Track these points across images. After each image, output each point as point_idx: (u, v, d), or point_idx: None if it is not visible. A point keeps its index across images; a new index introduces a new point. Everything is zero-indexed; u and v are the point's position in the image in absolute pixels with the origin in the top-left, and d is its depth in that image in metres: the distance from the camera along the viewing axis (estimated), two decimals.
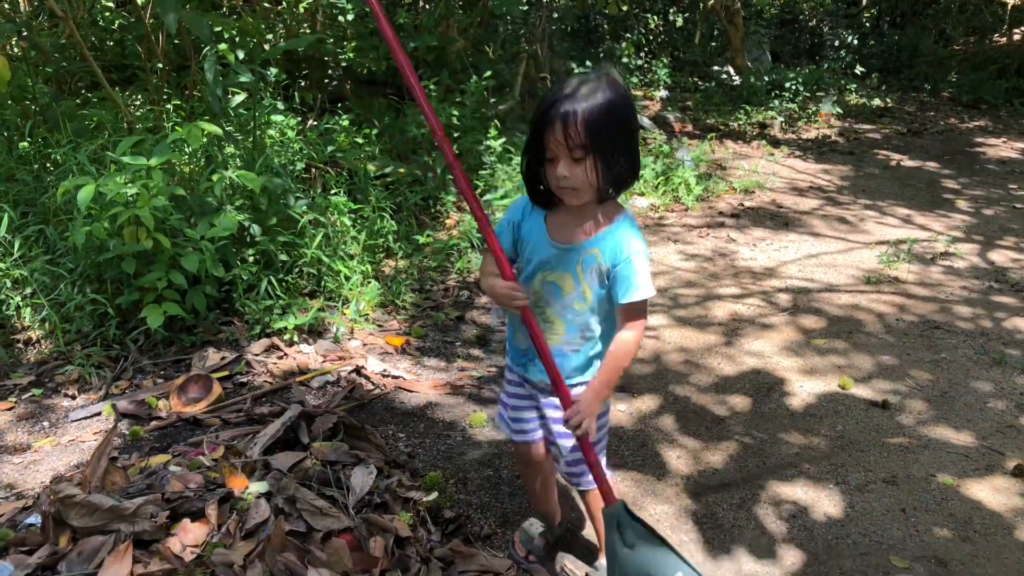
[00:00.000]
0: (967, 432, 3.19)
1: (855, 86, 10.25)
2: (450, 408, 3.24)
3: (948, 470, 2.95)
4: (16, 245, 3.49)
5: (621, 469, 2.89)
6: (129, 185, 3.39)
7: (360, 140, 5.49)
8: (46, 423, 3.08)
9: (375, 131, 5.68)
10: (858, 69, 10.61)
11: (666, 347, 3.87)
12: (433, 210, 5.29)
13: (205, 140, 3.91)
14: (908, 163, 7.64)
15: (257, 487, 2.04)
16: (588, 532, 2.52)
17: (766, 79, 9.56)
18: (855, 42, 11.35)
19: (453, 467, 2.79)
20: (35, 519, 2.03)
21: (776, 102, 9.13)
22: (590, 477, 1.97)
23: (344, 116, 5.84)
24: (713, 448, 3.06)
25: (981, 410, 3.36)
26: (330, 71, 7.04)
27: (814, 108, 9.21)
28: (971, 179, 7.15)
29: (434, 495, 2.29)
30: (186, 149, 4.03)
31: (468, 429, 3.09)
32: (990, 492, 2.83)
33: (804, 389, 3.50)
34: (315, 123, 5.85)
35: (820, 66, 10.77)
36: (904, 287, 4.63)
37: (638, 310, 1.88)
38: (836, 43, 11.38)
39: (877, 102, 9.94)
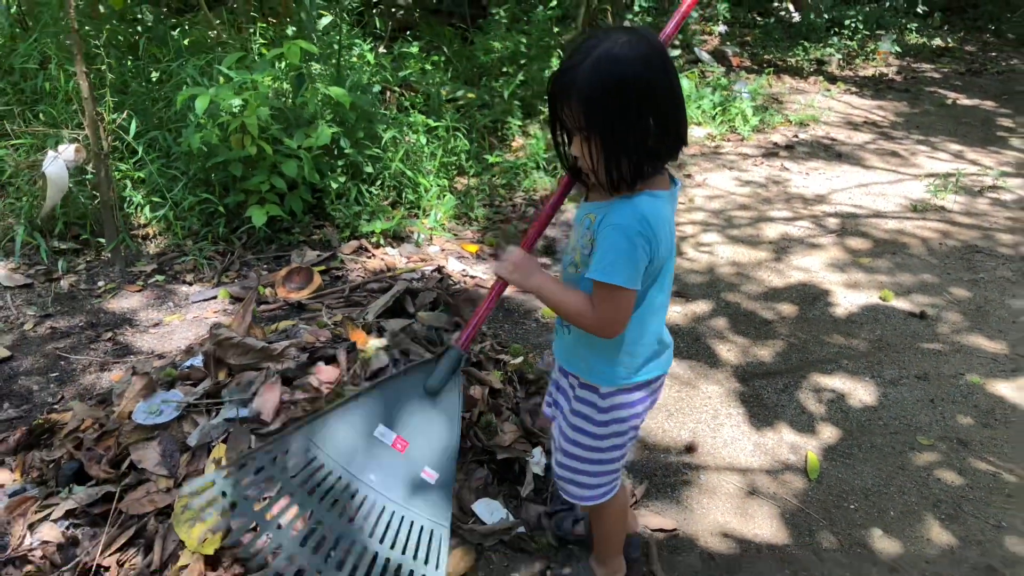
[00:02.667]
0: (998, 341, 3.47)
1: (916, 25, 10.19)
2: (523, 303, 3.62)
3: (976, 371, 3.25)
4: (140, 150, 3.89)
5: (676, 358, 3.23)
6: (236, 96, 3.76)
7: (429, 67, 5.79)
8: (171, 304, 3.51)
9: (442, 58, 5.98)
10: (920, 8, 10.51)
11: (719, 261, 4.17)
12: (500, 132, 5.60)
13: (301, 58, 4.24)
14: (964, 101, 7.70)
15: (376, 342, 2.43)
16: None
17: (826, 16, 9.56)
18: None
19: (531, 344, 3.18)
20: (193, 361, 2.45)
21: (835, 39, 9.17)
22: (574, 488, 1.85)
23: (414, 43, 6.13)
24: (760, 344, 3.39)
25: (1013, 323, 3.62)
26: (400, 0, 7.31)
27: (873, 46, 9.23)
28: None
29: (520, 359, 2.68)
30: (282, 66, 4.37)
31: (541, 319, 3.46)
32: (1013, 390, 3.12)
33: (847, 300, 3.79)
34: (384, 50, 6.15)
35: (882, 4, 10.68)
36: (949, 215, 4.85)
37: (601, 294, 1.56)
38: None
39: (938, 42, 9.89)
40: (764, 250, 4.32)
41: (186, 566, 1.87)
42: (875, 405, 3.01)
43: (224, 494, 1.77)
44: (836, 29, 9.42)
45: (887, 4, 10.57)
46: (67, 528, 2.06)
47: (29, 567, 1.97)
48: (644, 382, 1.73)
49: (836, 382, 3.14)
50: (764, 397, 3.03)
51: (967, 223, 4.74)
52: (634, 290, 1.55)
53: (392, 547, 1.75)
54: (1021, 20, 10.68)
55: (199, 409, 2.22)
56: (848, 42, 9.14)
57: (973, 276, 4.07)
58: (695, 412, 2.92)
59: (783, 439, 2.80)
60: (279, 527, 1.77)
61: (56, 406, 2.71)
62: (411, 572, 1.75)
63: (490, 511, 2.18)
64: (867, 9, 10.00)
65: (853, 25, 9.38)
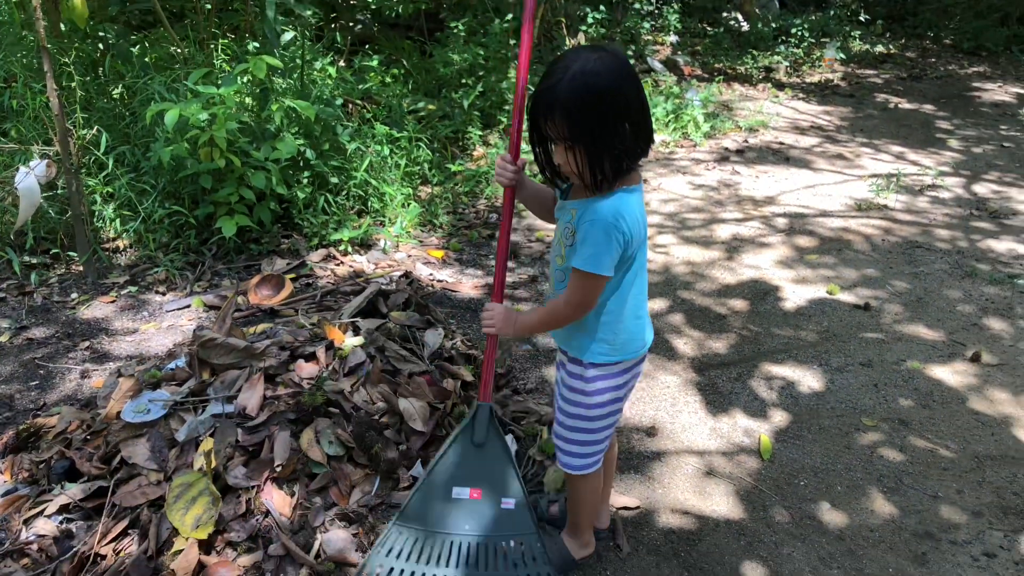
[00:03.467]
0: (936, 329, 3.70)
1: (859, 33, 10.58)
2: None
3: (916, 357, 3.46)
4: (110, 163, 3.96)
5: None
6: (204, 111, 3.86)
7: (389, 80, 5.93)
8: (145, 313, 3.60)
9: (402, 71, 6.12)
10: (863, 16, 10.92)
11: (674, 261, 4.36)
12: (461, 142, 5.75)
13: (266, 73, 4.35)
14: (906, 105, 8.04)
15: (353, 340, 2.56)
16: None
17: (773, 25, 9.91)
18: None
19: (499, 342, 3.32)
20: (177, 363, 2.56)
21: (782, 47, 9.50)
22: (565, 456, 2.06)
23: (374, 57, 6.27)
24: (715, 338, 3.58)
25: (951, 312, 3.86)
26: (359, 15, 7.44)
27: (819, 54, 9.57)
28: (965, 120, 7.56)
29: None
30: (246, 80, 4.48)
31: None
32: (950, 374, 3.34)
33: (796, 294, 4.00)
34: (343, 64, 6.27)
35: (826, 13, 11.07)
36: (891, 213, 5.10)
37: (578, 280, 1.77)
38: None
39: (880, 48, 10.28)
40: (717, 250, 4.52)
41: (181, 551, 1.98)
42: (823, 391, 3.20)
43: None
44: (783, 37, 9.76)
45: (831, 13, 10.97)
46: (61, 522, 2.15)
47: (25, 560, 2.06)
48: (621, 361, 1.94)
49: (786, 371, 3.33)
50: (719, 386, 3.21)
51: (908, 220, 4.99)
52: (608, 276, 1.75)
53: (512, 567, 2.04)
54: (959, 28, 11.14)
55: (186, 407, 2.33)
56: (795, 50, 9.48)
57: (913, 270, 4.30)
58: (655, 400, 3.09)
59: (737, 424, 2.98)
60: None
61: (39, 412, 2.79)
62: None
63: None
64: (812, 18, 10.38)
65: (799, 33, 9.72)
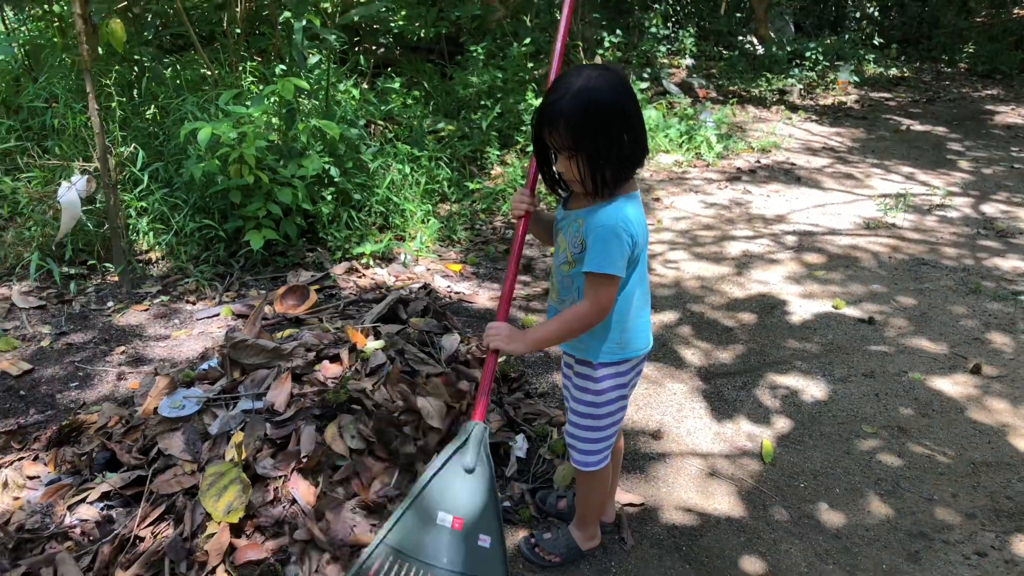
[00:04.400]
0: (939, 343, 3.80)
1: (874, 56, 10.71)
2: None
3: (918, 369, 3.57)
4: (145, 179, 4.17)
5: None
6: (235, 129, 4.06)
7: (410, 101, 6.13)
8: (176, 321, 3.78)
9: (422, 93, 6.33)
10: (877, 40, 11.06)
11: (685, 276, 4.50)
12: (480, 161, 5.93)
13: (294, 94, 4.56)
14: (918, 127, 8.15)
15: (374, 344, 2.72)
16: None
17: (788, 49, 10.07)
18: (876, 14, 11.77)
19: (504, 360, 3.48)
20: (208, 364, 2.72)
21: (796, 70, 9.65)
22: (577, 454, 2.17)
23: (396, 79, 6.48)
24: (722, 348, 3.70)
25: (954, 327, 3.96)
26: (381, 39, 7.67)
27: (832, 77, 9.71)
28: (976, 142, 7.66)
29: (503, 358, 2.97)
30: (272, 101, 4.68)
31: (522, 327, 3.75)
32: (950, 384, 3.45)
33: (802, 308, 4.12)
34: (366, 86, 6.49)
35: (841, 37, 11.22)
36: (899, 232, 5.22)
37: (595, 284, 1.88)
38: (858, 15, 11.82)
39: (894, 72, 10.41)
40: (727, 265, 4.65)
41: (213, 534, 2.13)
42: (825, 399, 3.32)
43: None
44: (797, 61, 9.92)
45: (846, 36, 11.11)
46: (102, 509, 2.31)
47: (69, 543, 2.22)
48: (629, 359, 2.07)
49: (790, 380, 3.45)
50: (724, 393, 3.33)
51: (915, 238, 5.10)
52: (621, 276, 1.89)
53: None
54: (973, 51, 11.25)
55: (218, 403, 2.49)
56: (808, 73, 9.62)
57: (919, 286, 4.41)
58: (662, 406, 3.22)
59: (741, 429, 3.10)
60: None
61: (79, 410, 2.96)
62: None
63: None
64: (827, 41, 10.52)
65: (813, 57, 9.87)
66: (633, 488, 2.71)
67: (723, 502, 2.69)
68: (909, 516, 2.66)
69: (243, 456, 2.27)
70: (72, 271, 4.06)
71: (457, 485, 2.03)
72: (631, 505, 2.61)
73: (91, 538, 2.22)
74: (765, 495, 2.73)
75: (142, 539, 2.18)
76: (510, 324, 2.05)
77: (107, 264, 4.09)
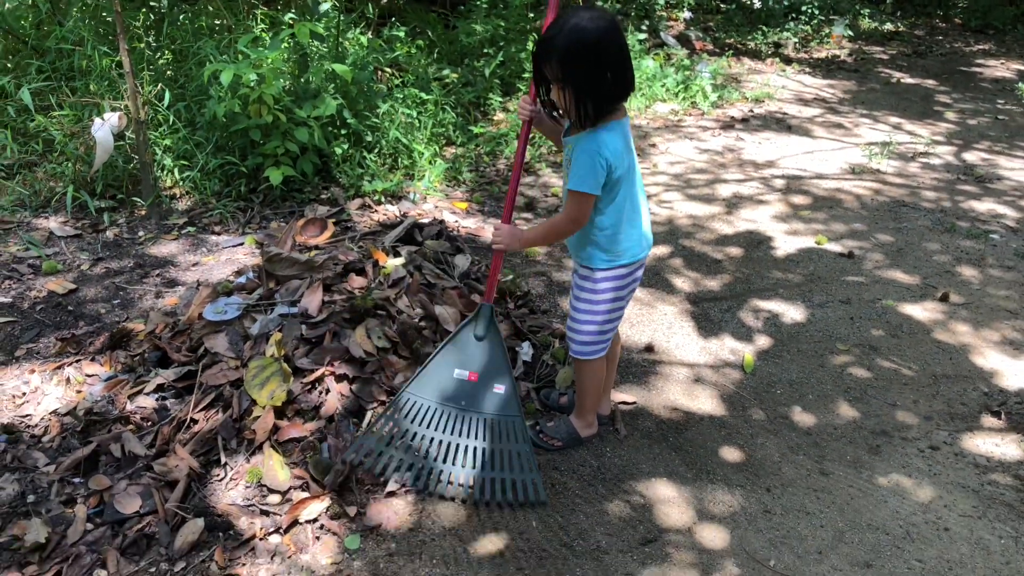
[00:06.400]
0: (913, 275, 4.10)
1: (869, 10, 10.87)
2: None
3: (891, 296, 3.87)
4: (171, 118, 4.41)
5: (639, 286, 3.82)
6: (254, 71, 4.29)
7: (414, 50, 6.34)
8: (204, 249, 4.06)
9: (426, 42, 6.53)
10: None
11: (677, 214, 4.78)
12: (483, 107, 6.17)
13: (307, 39, 4.78)
14: (908, 80, 8.38)
15: (394, 261, 3.00)
16: None
17: (784, 3, 10.21)
18: None
19: (518, 272, 3.77)
20: (242, 279, 3.01)
21: (792, 24, 9.82)
22: (575, 344, 2.47)
23: (401, 28, 6.67)
24: (710, 278, 4.00)
25: (927, 261, 4.26)
26: None
27: (828, 31, 9.89)
28: (964, 95, 7.90)
29: (510, 278, 3.26)
30: (286, 46, 4.90)
31: (526, 257, 4.05)
32: (920, 310, 3.75)
33: (787, 244, 4.41)
34: (371, 35, 6.68)
35: None
36: (883, 177, 5.49)
37: (571, 199, 2.18)
38: None
39: (889, 26, 10.58)
40: (717, 205, 4.93)
41: (259, 417, 2.44)
42: (803, 322, 3.63)
43: (377, 454, 2.45)
44: (793, 15, 10.08)
45: None
46: (158, 399, 2.62)
47: (131, 426, 2.53)
48: (624, 265, 2.37)
49: (772, 305, 3.75)
50: (711, 315, 3.64)
51: (898, 183, 5.38)
52: (595, 195, 2.19)
53: (494, 440, 2.47)
54: (968, 6, 11.41)
55: (257, 309, 2.78)
56: (804, 27, 9.80)
57: (897, 225, 4.70)
58: (653, 324, 3.52)
59: (725, 344, 3.41)
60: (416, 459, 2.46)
61: (124, 323, 3.25)
62: (508, 451, 2.46)
63: None
64: None
65: (809, 11, 10.03)
66: (627, 390, 3.03)
67: (707, 403, 3.01)
68: (873, 418, 2.97)
69: (282, 352, 2.57)
70: (103, 204, 4.32)
71: (470, 349, 2.46)
72: (624, 403, 2.92)
73: (150, 422, 2.53)
74: (744, 399, 3.05)
75: (196, 421, 2.49)
76: (511, 226, 2.36)
77: (135, 198, 4.36)
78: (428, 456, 2.45)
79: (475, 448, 2.47)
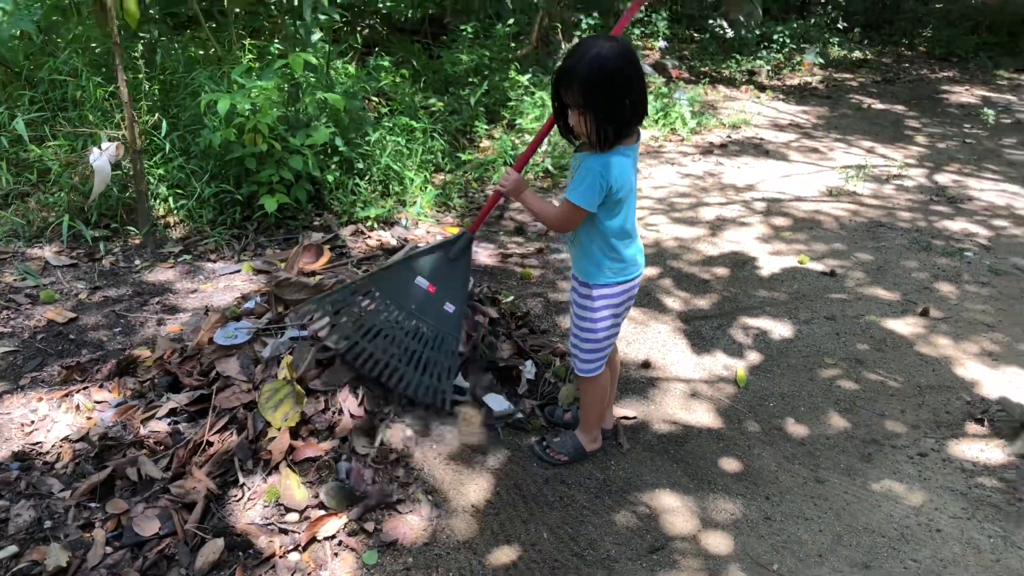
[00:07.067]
0: (893, 291, 4.24)
1: (838, 39, 11.18)
2: (505, 268, 4.30)
3: (874, 312, 4.00)
4: (167, 147, 4.47)
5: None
6: (249, 100, 4.37)
7: (398, 80, 6.45)
8: (201, 276, 4.10)
9: (411, 71, 6.66)
10: (841, 24, 11.53)
11: (664, 237, 4.90)
12: (469, 135, 6.28)
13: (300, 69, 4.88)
14: (878, 106, 8.63)
15: None
16: None
17: (756, 32, 10.49)
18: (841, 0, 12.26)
19: (516, 295, 3.86)
20: (250, 304, 3.07)
21: (764, 52, 10.08)
22: (578, 362, 2.57)
23: (385, 57, 6.80)
24: (699, 297, 4.11)
25: (906, 278, 4.41)
26: (368, 20, 7.97)
27: (799, 58, 10.17)
28: (932, 120, 8.15)
29: (510, 299, 3.35)
30: (280, 75, 4.99)
31: (521, 279, 4.14)
32: (902, 325, 3.88)
33: (771, 264, 4.54)
34: (354, 66, 6.79)
35: (807, 20, 11.68)
36: (859, 198, 5.66)
37: (565, 206, 2.30)
38: (823, 0, 12.28)
39: (857, 54, 10.89)
40: (701, 228, 5.06)
41: (274, 438, 2.49)
42: (791, 337, 3.74)
43: (318, 311, 2.76)
44: (765, 43, 10.35)
45: (812, 20, 11.57)
46: (170, 423, 2.66)
47: (145, 450, 2.57)
48: (619, 282, 2.47)
49: (760, 322, 3.87)
50: (703, 332, 3.74)
51: (874, 204, 5.55)
52: (586, 209, 2.27)
53: (424, 346, 2.72)
54: (932, 36, 11.77)
55: (267, 333, 2.84)
56: (776, 55, 10.06)
57: (876, 244, 4.86)
58: (648, 342, 3.62)
59: (718, 360, 3.51)
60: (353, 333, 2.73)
61: (129, 350, 3.29)
62: (434, 360, 2.72)
63: (497, 403, 2.85)
64: (794, 25, 10.96)
65: (781, 39, 10.31)
66: (627, 405, 3.12)
67: (704, 417, 3.10)
68: (864, 427, 3.08)
69: (294, 374, 2.63)
70: (97, 233, 4.36)
71: (439, 265, 2.69)
72: (626, 418, 3.01)
73: (164, 446, 2.57)
74: (740, 412, 3.15)
75: (211, 444, 2.54)
76: (520, 176, 2.48)
77: (129, 227, 4.40)
78: (363, 336, 2.70)
79: (406, 346, 2.70)
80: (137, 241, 4.37)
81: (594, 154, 2.26)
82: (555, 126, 2.40)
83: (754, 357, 3.56)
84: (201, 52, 5.58)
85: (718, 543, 2.48)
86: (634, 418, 3.03)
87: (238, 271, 4.14)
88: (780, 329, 3.81)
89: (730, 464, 2.84)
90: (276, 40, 6.04)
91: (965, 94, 9.35)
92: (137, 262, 4.19)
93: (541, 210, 2.44)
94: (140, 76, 4.60)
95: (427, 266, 2.70)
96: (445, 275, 2.69)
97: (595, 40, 2.15)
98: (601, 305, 2.47)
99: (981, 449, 2.96)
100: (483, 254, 4.48)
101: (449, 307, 2.70)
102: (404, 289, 2.70)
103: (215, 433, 2.55)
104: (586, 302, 2.49)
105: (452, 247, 2.69)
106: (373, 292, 2.73)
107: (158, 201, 4.55)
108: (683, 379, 3.35)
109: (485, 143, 6.21)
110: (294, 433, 2.53)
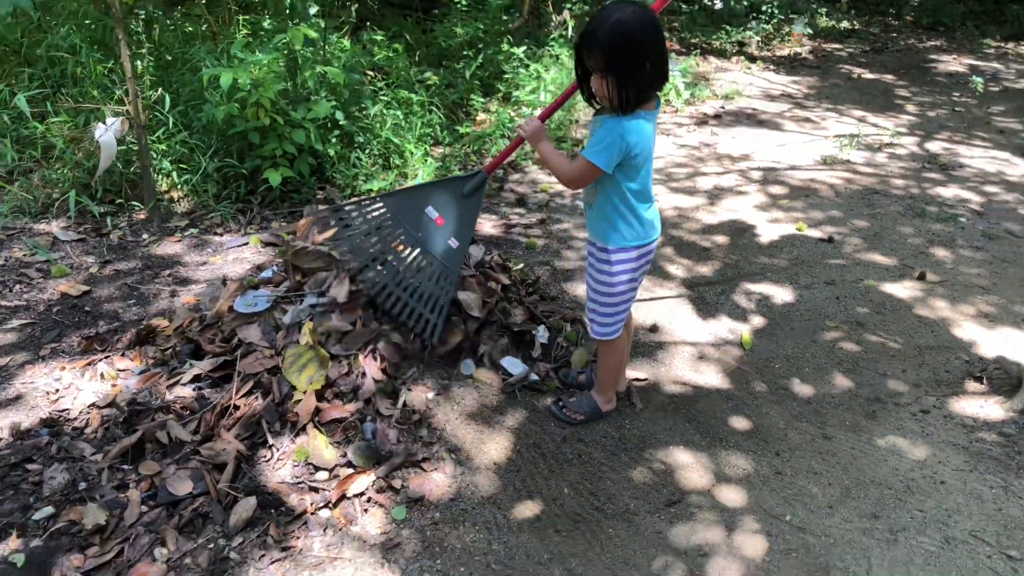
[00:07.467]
0: (890, 256, 4.33)
1: (826, 10, 11.23)
2: (510, 239, 4.35)
3: (872, 277, 4.09)
4: (170, 122, 4.48)
5: None
6: (251, 75, 4.38)
7: (391, 54, 6.45)
8: (209, 249, 4.14)
9: (403, 45, 6.66)
10: None
11: (663, 206, 4.97)
12: (465, 108, 6.31)
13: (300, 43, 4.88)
14: (868, 75, 8.70)
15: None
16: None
17: (745, 3, 10.52)
18: None
19: (524, 262, 3.93)
20: (266, 273, 3.12)
21: (754, 23, 10.13)
22: (596, 326, 2.63)
23: (378, 32, 6.79)
24: (701, 264, 4.19)
25: (902, 244, 4.50)
26: None
27: (788, 29, 10.21)
28: (921, 89, 8.24)
29: (520, 265, 3.41)
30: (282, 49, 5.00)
31: (527, 248, 4.21)
32: (900, 289, 3.98)
33: (769, 231, 4.62)
34: (348, 39, 6.78)
35: None
36: (853, 167, 5.75)
37: (580, 163, 2.34)
38: None
39: (845, 24, 10.95)
40: (700, 197, 5.13)
41: (300, 400, 2.55)
42: (793, 302, 3.83)
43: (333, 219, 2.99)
44: (754, 14, 10.39)
45: None
46: (195, 389, 2.72)
47: (171, 415, 2.62)
48: (636, 245, 2.52)
49: (762, 287, 3.95)
50: (707, 298, 3.82)
51: (867, 172, 5.64)
52: (600, 168, 2.31)
53: (425, 277, 2.80)
54: (919, 5, 11.84)
55: (286, 300, 2.89)
56: (765, 26, 10.11)
57: (871, 211, 4.94)
58: (656, 308, 3.70)
59: (723, 324, 3.59)
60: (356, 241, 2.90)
61: (147, 320, 3.33)
62: (430, 292, 2.79)
63: (514, 365, 2.92)
64: None
65: (769, 11, 10.35)
66: (638, 367, 3.20)
67: (712, 378, 3.18)
68: (867, 387, 3.18)
69: (316, 339, 2.68)
70: (103, 209, 4.38)
71: (451, 199, 2.77)
72: (637, 380, 3.09)
73: (190, 411, 2.63)
74: (747, 373, 3.23)
75: (238, 408, 2.60)
76: (542, 125, 2.53)
77: (134, 202, 4.42)
78: (368, 252, 2.85)
79: (406, 272, 2.80)
80: (143, 216, 4.39)
81: (615, 117, 2.31)
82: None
83: (758, 321, 3.64)
84: (194, 28, 5.57)
85: (732, 496, 2.56)
86: (645, 379, 3.11)
87: (246, 244, 4.18)
88: (782, 294, 3.89)
89: (740, 423, 2.92)
90: (267, 15, 6.04)
91: (953, 63, 9.44)
92: (144, 236, 4.22)
93: (557, 163, 2.45)
94: (143, 51, 4.59)
95: (439, 198, 2.78)
96: (455, 210, 2.76)
97: (618, 5, 2.19)
98: (619, 269, 2.54)
99: (980, 406, 3.06)
100: (487, 224, 4.54)
101: (454, 242, 2.77)
102: (414, 215, 2.78)
103: (241, 397, 2.61)
104: (604, 266, 2.55)
105: (466, 183, 2.76)
106: (384, 211, 2.84)
107: (162, 176, 4.57)
108: (690, 342, 3.43)
109: (481, 116, 6.24)
110: (319, 396, 2.59)
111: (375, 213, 2.89)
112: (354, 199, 2.88)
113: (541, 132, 2.52)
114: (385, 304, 2.81)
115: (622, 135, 2.27)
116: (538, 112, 2.62)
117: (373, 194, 2.81)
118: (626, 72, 2.20)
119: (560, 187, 5.18)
